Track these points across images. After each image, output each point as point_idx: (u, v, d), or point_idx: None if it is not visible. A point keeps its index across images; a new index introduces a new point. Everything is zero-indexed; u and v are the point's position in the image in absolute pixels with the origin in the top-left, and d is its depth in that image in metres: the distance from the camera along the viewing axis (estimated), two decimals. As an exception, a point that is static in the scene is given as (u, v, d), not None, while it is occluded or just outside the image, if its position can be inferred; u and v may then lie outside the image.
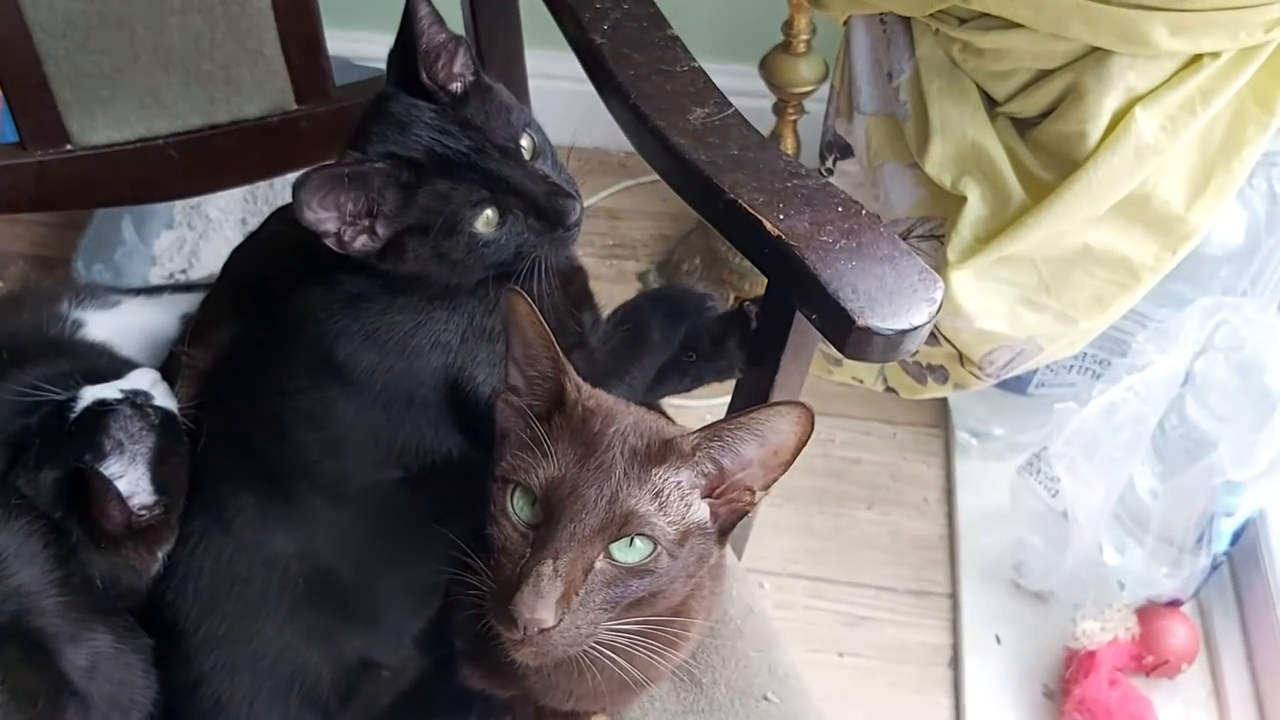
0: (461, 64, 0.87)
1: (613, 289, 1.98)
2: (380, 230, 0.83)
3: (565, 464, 0.76)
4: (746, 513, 0.81)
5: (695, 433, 0.78)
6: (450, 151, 0.83)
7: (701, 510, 0.78)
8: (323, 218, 0.81)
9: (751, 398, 0.96)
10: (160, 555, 0.90)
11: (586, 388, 0.80)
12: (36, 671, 0.79)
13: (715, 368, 0.96)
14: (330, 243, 0.82)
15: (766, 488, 0.80)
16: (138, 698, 0.86)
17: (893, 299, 0.82)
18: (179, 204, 2.03)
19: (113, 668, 0.84)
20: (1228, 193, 1.10)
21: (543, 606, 0.72)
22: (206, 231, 2.01)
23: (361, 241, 0.83)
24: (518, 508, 0.77)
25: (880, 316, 0.81)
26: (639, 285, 2.02)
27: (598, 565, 0.74)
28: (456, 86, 0.86)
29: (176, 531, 0.90)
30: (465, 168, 0.83)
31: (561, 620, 0.73)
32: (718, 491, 0.78)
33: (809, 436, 0.77)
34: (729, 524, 0.81)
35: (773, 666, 1.00)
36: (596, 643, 0.76)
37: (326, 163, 0.82)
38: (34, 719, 0.77)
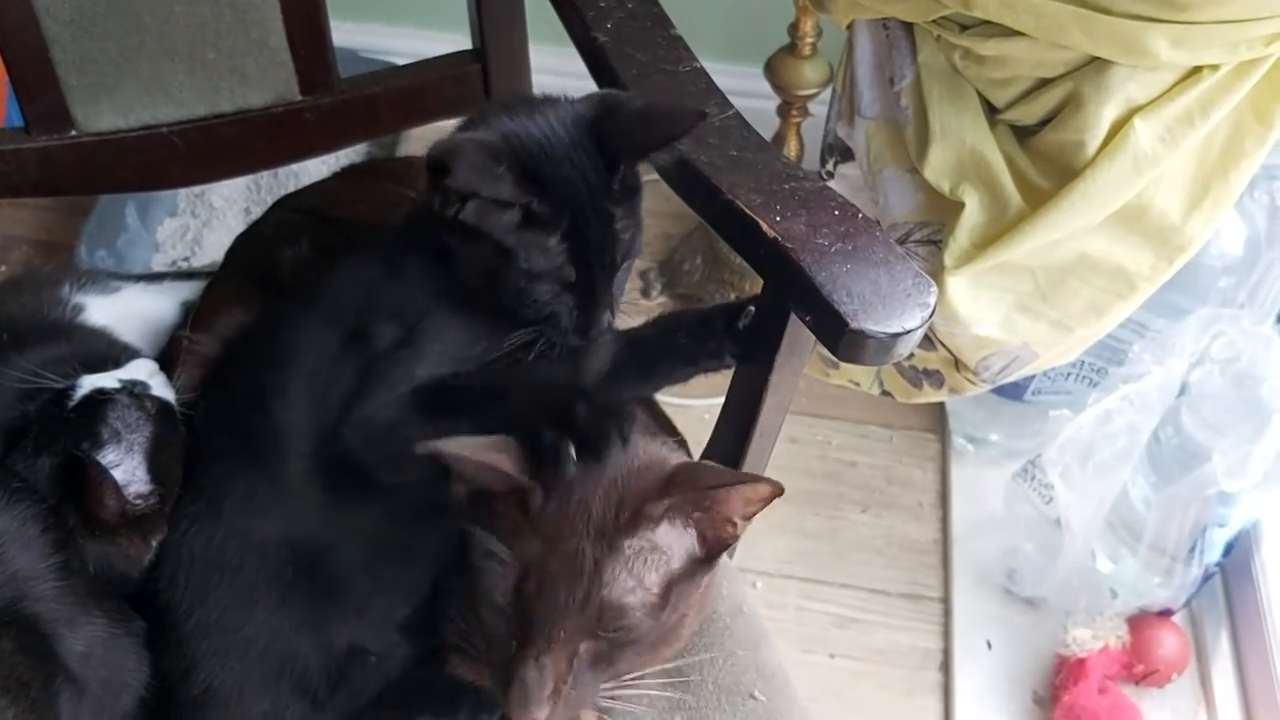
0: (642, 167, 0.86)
1: (614, 286, 2.00)
2: (470, 216, 0.81)
3: (531, 557, 0.77)
4: (731, 543, 0.82)
5: (667, 498, 0.78)
6: (583, 228, 0.82)
7: (680, 554, 0.80)
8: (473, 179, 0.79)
9: (746, 396, 0.97)
10: (154, 544, 0.90)
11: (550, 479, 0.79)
12: (30, 660, 0.80)
13: (706, 351, 0.95)
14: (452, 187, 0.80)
15: (748, 518, 0.81)
16: (130, 681, 0.86)
17: (886, 303, 0.82)
18: (183, 192, 2.04)
19: (107, 652, 0.85)
20: (1225, 205, 1.10)
21: (535, 706, 0.75)
22: (210, 220, 2.01)
23: (452, 212, 0.81)
24: (492, 599, 0.78)
25: (874, 320, 0.81)
26: (640, 283, 2.03)
27: (581, 649, 0.76)
28: (633, 179, 0.85)
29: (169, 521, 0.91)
30: (581, 249, 0.82)
31: (555, 706, 0.75)
32: (698, 521, 0.80)
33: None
34: (716, 551, 0.82)
35: (760, 665, 1.00)
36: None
37: (482, 156, 0.79)
38: (27, 710, 0.77)
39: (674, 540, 0.80)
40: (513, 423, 0.81)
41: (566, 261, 0.82)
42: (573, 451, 0.78)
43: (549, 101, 0.85)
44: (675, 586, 0.80)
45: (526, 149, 0.81)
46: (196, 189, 2.04)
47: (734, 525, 0.81)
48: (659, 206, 2.10)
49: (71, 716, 0.80)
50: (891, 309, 0.82)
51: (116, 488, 0.87)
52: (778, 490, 0.79)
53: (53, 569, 0.83)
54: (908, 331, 0.82)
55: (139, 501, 0.89)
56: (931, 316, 0.83)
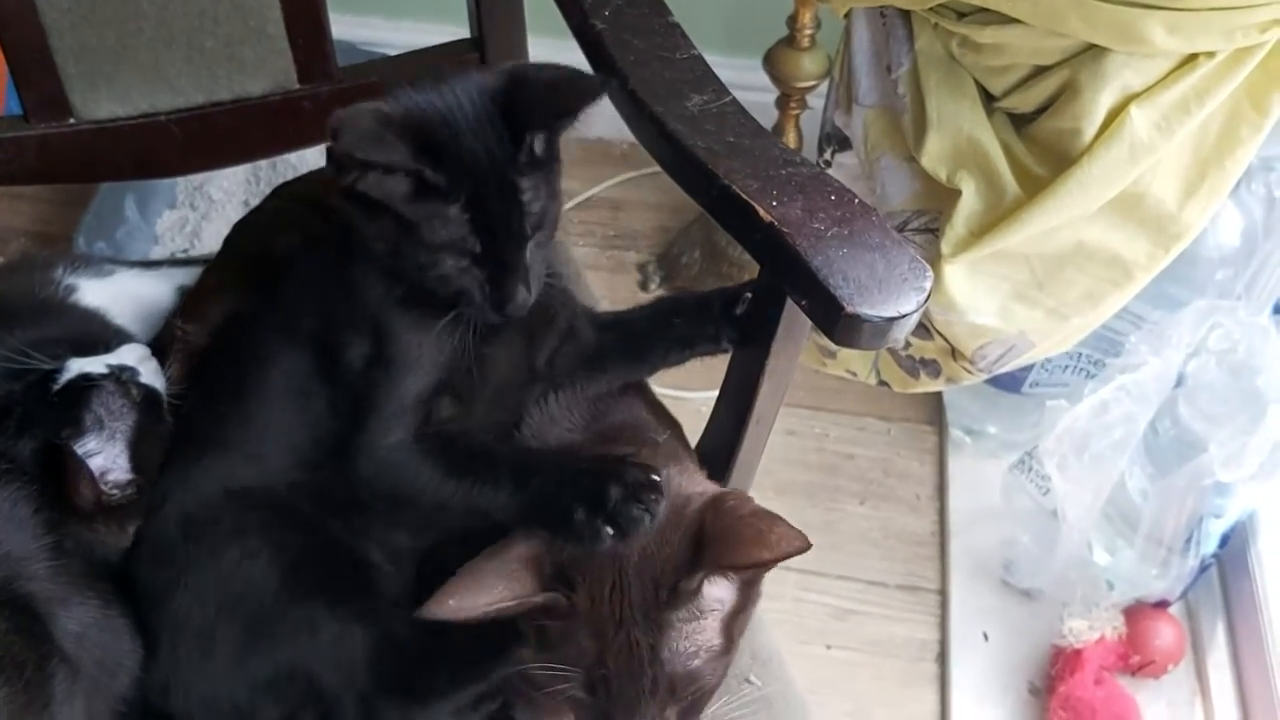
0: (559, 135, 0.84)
1: (612, 279, 2.00)
2: (369, 188, 0.79)
3: (589, 658, 0.78)
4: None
5: (699, 570, 0.79)
6: (485, 198, 0.80)
7: (729, 596, 0.81)
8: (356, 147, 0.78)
9: (743, 382, 0.97)
10: (131, 531, 0.90)
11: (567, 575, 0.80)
12: (25, 640, 0.80)
13: (703, 334, 0.95)
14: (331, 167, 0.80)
15: None
16: (125, 662, 0.86)
17: (882, 287, 0.82)
18: (182, 184, 2.04)
19: (101, 633, 0.85)
20: (1221, 193, 1.11)
21: None
22: (209, 212, 2.02)
23: (350, 179, 0.79)
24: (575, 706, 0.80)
25: (869, 304, 0.81)
26: (639, 276, 2.03)
27: (669, 715, 0.78)
28: (540, 149, 0.82)
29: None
30: (483, 218, 0.80)
31: None
32: None
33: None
34: (761, 575, 0.83)
35: (756, 651, 1.00)
36: None
37: (376, 125, 0.78)
38: (20, 690, 0.77)
39: (720, 591, 0.81)
40: (541, 500, 0.82)
41: (470, 232, 0.80)
42: (608, 531, 0.79)
43: (457, 75, 0.83)
44: (734, 622, 0.81)
45: (425, 117, 0.80)
46: (195, 181, 2.05)
47: None
48: (657, 199, 2.14)
49: (66, 697, 0.80)
50: (887, 293, 0.82)
51: (92, 479, 0.86)
52: (806, 546, 0.79)
53: (45, 549, 0.83)
54: (903, 315, 0.82)
55: (115, 492, 0.88)
56: (927, 301, 0.83)
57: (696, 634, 0.79)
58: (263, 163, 2.06)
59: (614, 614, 0.78)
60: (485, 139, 0.80)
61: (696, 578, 0.78)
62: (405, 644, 0.86)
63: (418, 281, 0.82)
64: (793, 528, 0.81)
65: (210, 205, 2.03)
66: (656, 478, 0.82)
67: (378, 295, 0.85)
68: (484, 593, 0.78)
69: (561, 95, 0.82)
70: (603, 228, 2.08)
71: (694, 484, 0.87)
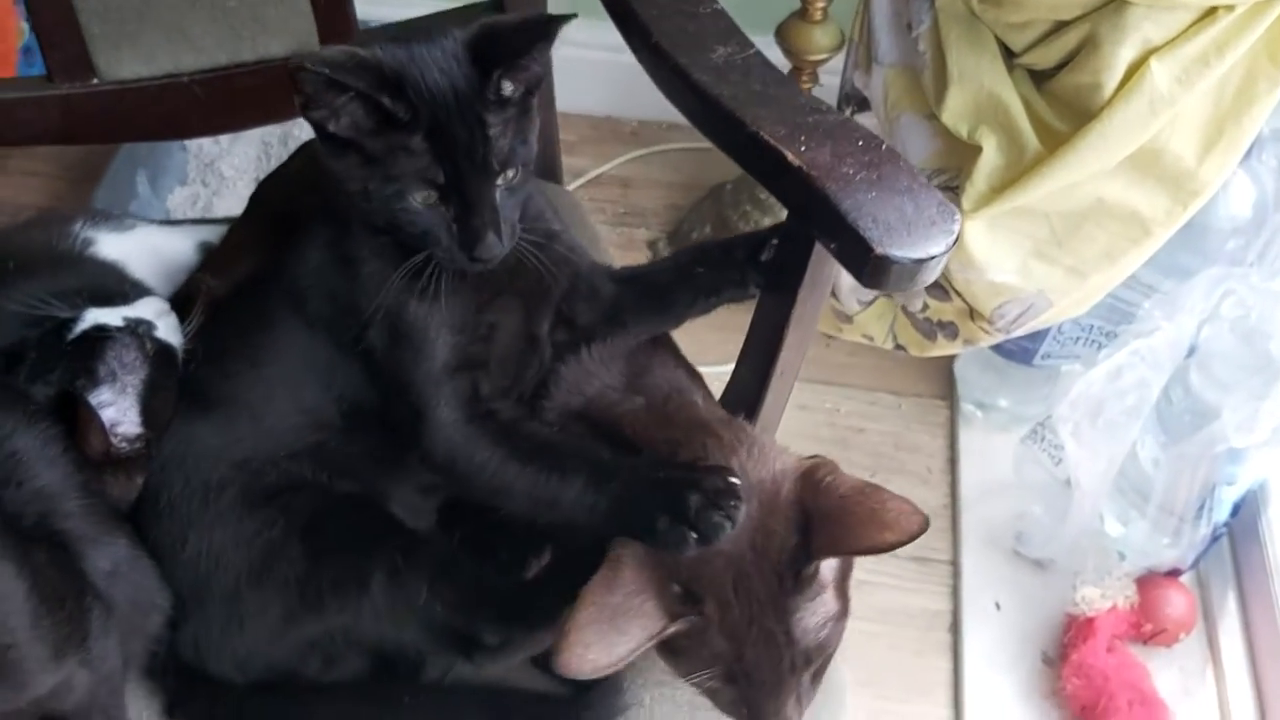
0: (530, 79, 0.85)
1: (623, 256, 2.00)
2: (340, 128, 0.81)
3: (727, 657, 0.80)
4: None
5: (818, 557, 0.80)
6: (451, 129, 0.81)
7: (836, 561, 0.83)
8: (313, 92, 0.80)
9: (768, 328, 0.97)
10: (139, 482, 0.91)
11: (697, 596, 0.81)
12: (63, 574, 0.81)
13: (729, 279, 0.96)
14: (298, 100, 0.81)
15: None
16: (158, 600, 0.87)
17: (911, 229, 0.83)
18: (193, 160, 2.04)
19: (132, 571, 0.86)
20: (1239, 148, 1.11)
21: None
22: (220, 189, 2.02)
23: (320, 115, 0.81)
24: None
25: (898, 245, 0.82)
26: (649, 253, 2.04)
27: (804, 681, 0.81)
28: (509, 89, 0.83)
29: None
30: (447, 148, 0.81)
31: None
32: None
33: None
34: None
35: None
36: None
37: (342, 54, 0.80)
38: (61, 621, 0.78)
39: (831, 562, 0.82)
40: (622, 507, 0.83)
41: (432, 161, 0.81)
42: (693, 537, 0.80)
43: (435, 28, 0.85)
44: (844, 583, 0.83)
45: (390, 55, 0.81)
46: (207, 159, 2.05)
47: None
48: (667, 177, 2.14)
49: (101, 632, 0.81)
50: (916, 235, 0.83)
51: (103, 429, 0.87)
52: (926, 522, 0.81)
53: (76, 488, 0.84)
54: (932, 257, 0.83)
55: (124, 445, 0.89)
56: (955, 243, 0.83)
57: (820, 607, 0.81)
58: (274, 140, 2.07)
59: (745, 613, 0.79)
60: (452, 75, 0.81)
61: (814, 565, 0.80)
62: (460, 561, 0.89)
63: (390, 224, 0.83)
64: (903, 500, 0.82)
65: (221, 182, 2.03)
66: (735, 480, 0.82)
67: (377, 269, 0.87)
68: (621, 639, 0.78)
69: (523, 32, 0.84)
70: (613, 205, 2.09)
71: (771, 462, 0.87)
